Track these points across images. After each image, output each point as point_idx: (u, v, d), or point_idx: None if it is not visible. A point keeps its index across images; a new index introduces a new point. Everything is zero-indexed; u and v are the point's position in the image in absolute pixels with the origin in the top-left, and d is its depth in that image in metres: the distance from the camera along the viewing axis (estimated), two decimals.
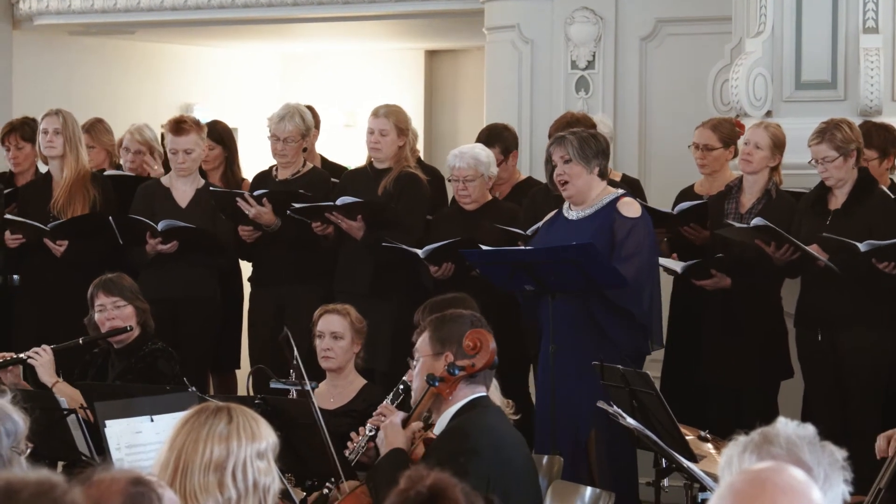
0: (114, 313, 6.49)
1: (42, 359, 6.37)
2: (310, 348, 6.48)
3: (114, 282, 6.56)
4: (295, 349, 5.36)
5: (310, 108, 8.51)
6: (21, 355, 6.40)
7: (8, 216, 7.67)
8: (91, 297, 6.56)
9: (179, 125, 7.66)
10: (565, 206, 6.69)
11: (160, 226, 7.43)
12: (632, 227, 6.47)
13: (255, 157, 8.93)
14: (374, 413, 5.56)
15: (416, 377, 4.77)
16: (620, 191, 6.68)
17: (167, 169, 8.02)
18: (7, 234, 7.68)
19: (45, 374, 6.34)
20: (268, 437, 3.46)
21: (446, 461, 4.14)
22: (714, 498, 2.46)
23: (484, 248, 6.83)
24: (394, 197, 7.48)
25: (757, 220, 6.74)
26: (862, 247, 6.46)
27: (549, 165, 6.63)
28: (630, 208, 6.53)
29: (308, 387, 5.35)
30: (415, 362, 4.80)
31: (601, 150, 6.57)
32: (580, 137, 6.56)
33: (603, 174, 6.59)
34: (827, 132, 6.71)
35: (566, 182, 6.54)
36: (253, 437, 3.43)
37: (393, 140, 7.51)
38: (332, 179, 7.84)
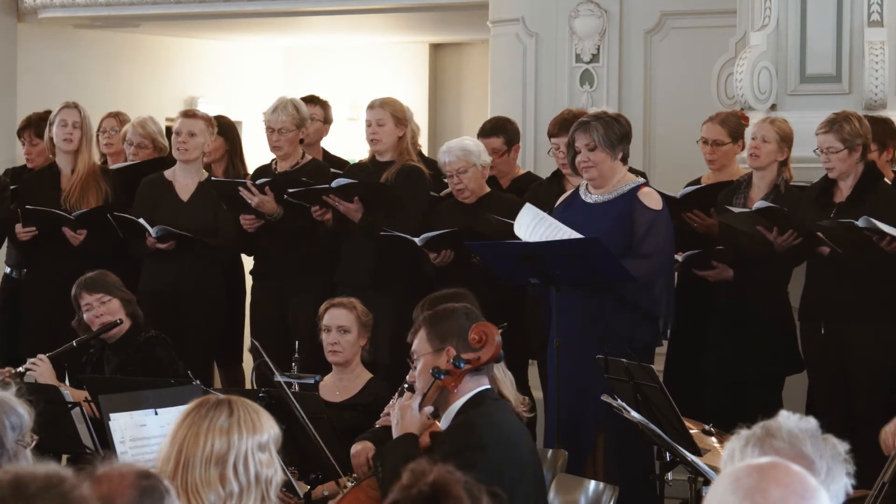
0: (101, 310, 6.51)
1: (40, 368, 6.38)
2: (313, 341, 6.49)
3: (95, 280, 6.59)
4: (267, 358, 5.35)
5: (324, 103, 8.52)
6: (19, 369, 6.40)
7: (28, 206, 7.68)
8: (75, 299, 6.59)
9: (190, 111, 7.77)
10: (582, 188, 6.67)
11: (154, 231, 7.44)
12: (652, 221, 6.45)
13: (259, 151, 8.93)
14: (382, 414, 5.56)
15: (418, 378, 4.71)
16: (641, 179, 6.68)
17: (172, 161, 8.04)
18: (18, 227, 7.69)
19: (48, 383, 6.33)
20: (269, 428, 3.46)
21: (453, 455, 4.14)
22: (710, 490, 2.47)
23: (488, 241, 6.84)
24: (395, 189, 7.48)
25: (759, 204, 6.74)
26: (861, 222, 6.46)
27: (572, 150, 6.61)
28: (651, 199, 6.52)
29: (292, 386, 5.34)
30: (414, 364, 4.76)
31: (625, 134, 6.57)
32: (605, 123, 6.53)
33: (625, 159, 6.59)
34: (835, 123, 6.70)
35: (590, 167, 6.53)
36: (254, 430, 3.42)
37: (391, 130, 7.50)
38: (333, 170, 7.84)
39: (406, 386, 5.35)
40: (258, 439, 3.42)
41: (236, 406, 3.46)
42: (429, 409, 4.71)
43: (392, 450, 4.65)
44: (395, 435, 4.70)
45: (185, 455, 3.39)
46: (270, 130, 7.68)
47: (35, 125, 8.20)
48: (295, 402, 5.26)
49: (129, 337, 6.50)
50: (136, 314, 6.56)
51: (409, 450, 4.52)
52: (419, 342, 4.70)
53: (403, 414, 4.69)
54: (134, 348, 6.44)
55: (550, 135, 7.35)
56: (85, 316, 6.54)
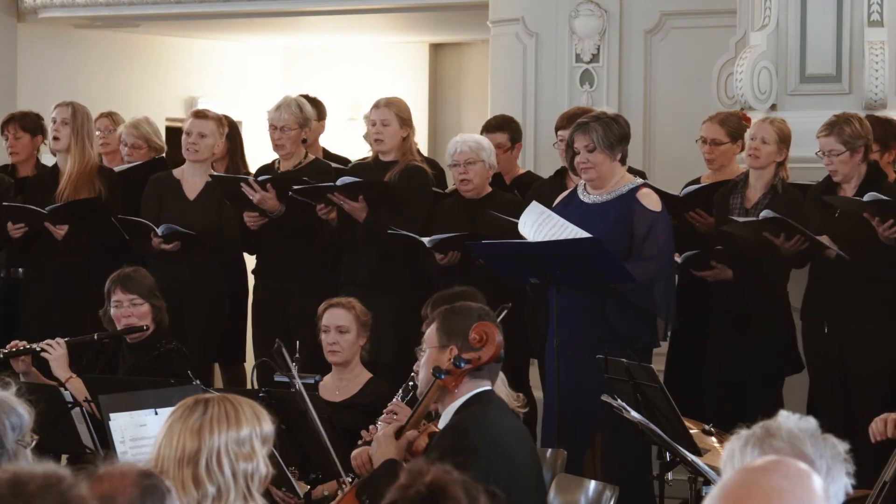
0: (130, 311, 6.50)
1: (56, 353, 6.35)
2: (313, 341, 6.50)
3: (131, 278, 6.56)
4: (289, 359, 5.34)
5: (316, 100, 8.53)
6: (34, 346, 6.39)
7: (5, 203, 7.69)
8: (108, 291, 6.57)
9: (201, 111, 7.81)
10: (580, 187, 6.67)
11: (160, 230, 7.45)
12: (652, 223, 6.44)
13: (259, 151, 8.94)
14: (384, 411, 5.56)
15: (422, 368, 4.78)
16: (640, 180, 6.67)
17: (172, 161, 8.05)
18: (10, 224, 7.69)
19: (59, 369, 6.33)
20: (252, 423, 3.41)
21: (444, 458, 4.15)
22: (709, 496, 2.47)
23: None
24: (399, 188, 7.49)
25: (766, 213, 6.73)
26: (867, 197, 6.45)
27: (571, 151, 6.61)
28: (650, 200, 6.51)
29: (301, 387, 5.31)
30: (422, 353, 4.81)
31: (624, 135, 6.55)
32: (604, 124, 6.52)
33: (624, 159, 6.58)
34: (836, 126, 6.70)
35: (589, 168, 6.53)
36: (229, 425, 3.38)
37: (395, 130, 7.50)
38: (336, 166, 7.85)
39: (411, 384, 5.38)
40: (234, 434, 3.38)
41: (212, 403, 3.42)
42: (412, 433, 4.74)
43: (375, 479, 4.66)
44: (374, 465, 4.73)
45: (162, 458, 3.38)
46: (273, 128, 7.69)
47: (19, 120, 8.19)
48: (311, 405, 5.25)
49: (150, 342, 6.49)
50: (162, 321, 6.56)
51: (390, 476, 4.53)
52: (429, 334, 4.76)
53: (380, 444, 4.75)
54: (151, 357, 6.43)
55: (558, 128, 7.36)
56: (112, 311, 6.53)
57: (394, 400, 5.61)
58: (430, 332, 4.76)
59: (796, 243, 6.73)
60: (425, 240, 7.12)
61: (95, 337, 6.54)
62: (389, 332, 7.08)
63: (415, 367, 5.02)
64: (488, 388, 4.71)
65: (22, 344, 6.42)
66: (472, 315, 4.73)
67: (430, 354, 4.71)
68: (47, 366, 6.41)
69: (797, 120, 7.13)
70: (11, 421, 3.41)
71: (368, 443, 5.59)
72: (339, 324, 6.31)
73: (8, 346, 6.41)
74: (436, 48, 12.99)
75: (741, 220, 6.89)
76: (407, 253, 7.30)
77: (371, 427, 5.58)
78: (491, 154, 7.37)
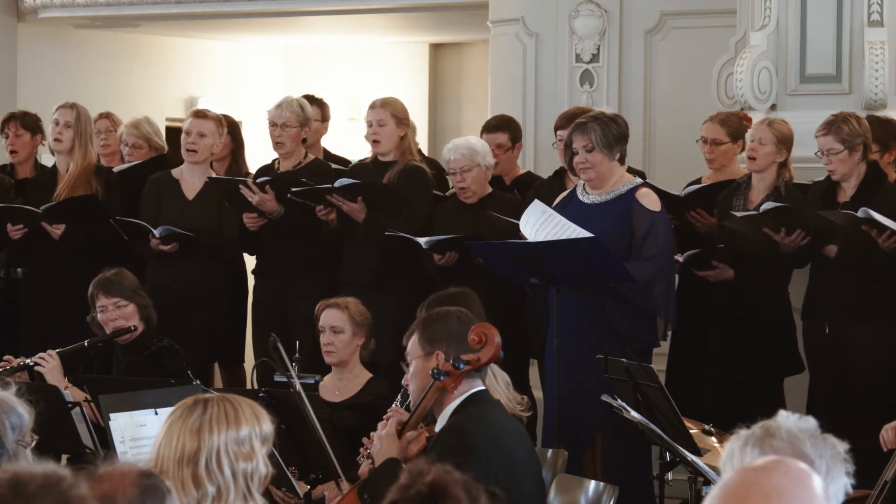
0: (116, 314, 6.49)
1: (49, 364, 6.35)
2: (313, 341, 6.50)
3: (112, 281, 6.55)
4: (284, 354, 5.33)
5: (321, 101, 8.53)
6: (27, 361, 6.38)
7: (0, 204, 7.68)
8: (91, 298, 6.57)
9: (201, 111, 7.82)
10: (579, 188, 6.67)
11: (158, 231, 7.45)
12: (652, 222, 6.44)
13: (259, 151, 8.95)
14: (384, 417, 5.56)
15: (411, 380, 4.77)
16: (639, 179, 6.67)
17: (173, 161, 8.05)
18: (9, 225, 7.69)
19: (55, 381, 6.31)
20: (252, 422, 3.42)
21: (444, 459, 4.15)
22: (709, 496, 2.47)
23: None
24: (398, 189, 7.49)
25: (768, 205, 6.73)
26: (860, 213, 6.46)
27: (569, 151, 6.61)
28: (650, 200, 6.50)
29: (299, 386, 5.31)
30: (408, 367, 4.81)
31: (622, 134, 6.55)
32: (602, 124, 6.51)
33: (622, 159, 6.58)
34: (834, 125, 6.70)
35: (588, 168, 6.53)
36: (228, 425, 3.39)
37: (392, 130, 7.51)
38: (336, 167, 7.85)
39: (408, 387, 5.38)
40: (234, 434, 3.39)
41: (212, 403, 3.43)
42: (411, 434, 4.74)
43: (376, 477, 4.66)
44: (376, 463, 4.73)
45: (161, 458, 3.38)
46: (273, 126, 7.70)
47: (20, 118, 8.18)
48: (308, 403, 5.25)
49: (141, 341, 6.49)
50: (150, 318, 6.55)
51: (392, 475, 4.53)
52: (412, 345, 4.75)
53: (381, 442, 4.75)
54: (144, 356, 6.43)
55: (557, 128, 7.36)
56: (99, 316, 6.53)
57: (393, 405, 5.60)
58: (412, 344, 4.75)
59: (796, 238, 6.73)
60: (422, 241, 7.12)
61: (86, 343, 6.53)
62: (389, 332, 7.07)
63: (403, 382, 5.02)
64: (482, 388, 4.71)
65: (16, 361, 6.40)
66: (451, 319, 4.74)
67: (416, 365, 4.71)
68: (43, 379, 6.40)
69: (797, 120, 7.13)
70: (11, 421, 3.41)
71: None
72: (334, 324, 6.32)
73: (0, 365, 6.40)
74: (436, 48, 13.00)
75: (740, 214, 6.89)
76: (407, 253, 7.30)
77: (372, 434, 5.58)
78: (486, 155, 7.36)
